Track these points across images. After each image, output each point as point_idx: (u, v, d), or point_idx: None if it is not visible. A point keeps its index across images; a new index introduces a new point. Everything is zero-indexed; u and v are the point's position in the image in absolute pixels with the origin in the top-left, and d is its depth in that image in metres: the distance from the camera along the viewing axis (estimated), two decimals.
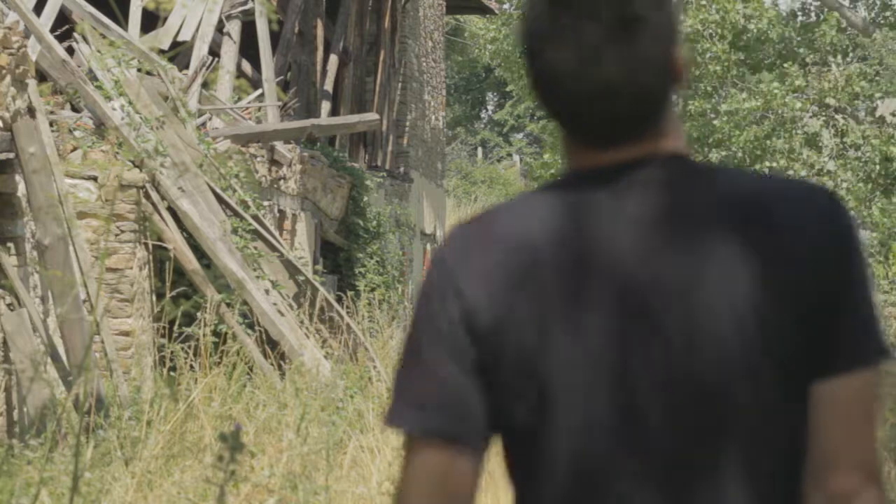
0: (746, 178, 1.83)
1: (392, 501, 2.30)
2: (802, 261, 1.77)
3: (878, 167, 19.16)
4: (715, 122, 19.71)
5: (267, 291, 10.93)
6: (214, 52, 14.01)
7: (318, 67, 17.49)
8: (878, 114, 20.53)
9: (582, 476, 1.77)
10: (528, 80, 1.85)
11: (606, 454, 1.76)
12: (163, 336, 10.05)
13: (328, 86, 17.96)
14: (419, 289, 1.85)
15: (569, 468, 1.77)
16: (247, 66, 15.63)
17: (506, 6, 23.94)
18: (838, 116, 20.06)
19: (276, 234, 12.22)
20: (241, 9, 14.52)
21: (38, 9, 12.02)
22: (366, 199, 16.48)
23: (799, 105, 19.45)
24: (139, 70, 11.66)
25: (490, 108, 50.19)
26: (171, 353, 9.51)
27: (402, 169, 20.98)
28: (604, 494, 1.76)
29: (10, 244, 8.71)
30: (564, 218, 1.79)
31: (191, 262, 10.46)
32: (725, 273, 1.75)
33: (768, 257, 1.76)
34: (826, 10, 21.35)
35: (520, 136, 47.73)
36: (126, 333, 10.06)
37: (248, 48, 15.10)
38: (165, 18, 13.17)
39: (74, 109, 11.08)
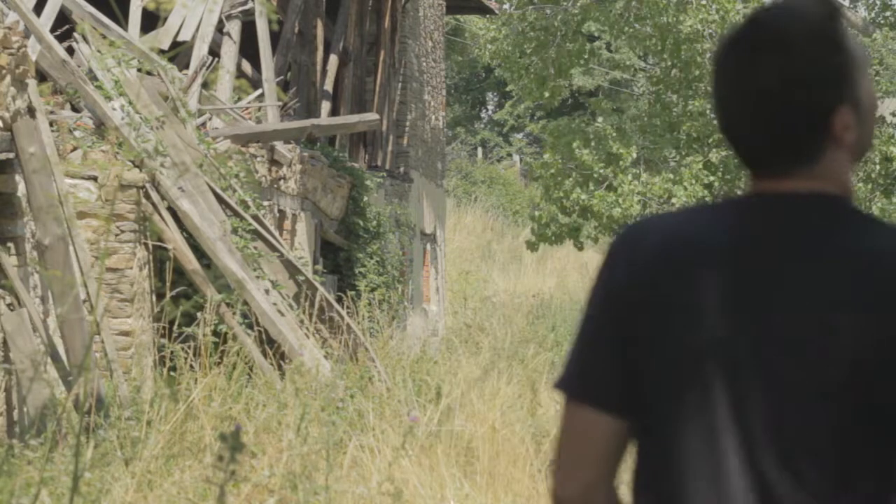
0: (883, 232, 1.99)
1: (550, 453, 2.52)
2: None
3: (878, 167, 19.17)
4: (715, 121, 19.72)
5: (267, 291, 10.92)
6: (214, 52, 14.00)
7: (318, 67, 17.48)
8: (877, 114, 20.53)
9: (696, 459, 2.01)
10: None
11: (716, 443, 1.99)
12: (163, 336, 10.05)
13: (328, 86, 17.95)
14: (596, 271, 2.14)
15: (686, 455, 2.02)
16: (247, 66, 15.62)
17: (506, 6, 23.93)
18: None
19: (276, 234, 12.21)
20: (241, 9, 14.51)
21: (38, 9, 12.02)
22: (366, 199, 16.47)
23: None
24: (139, 70, 11.66)
25: (490, 108, 50.18)
26: (171, 353, 9.50)
27: (402, 169, 20.96)
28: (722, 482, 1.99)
29: (10, 244, 8.70)
30: (711, 228, 2.06)
31: (191, 262, 10.46)
32: (829, 314, 1.95)
33: (874, 304, 1.93)
34: None
35: (520, 136, 47.71)
36: (126, 333, 10.06)
37: (248, 48, 15.09)
38: (165, 18, 13.16)
39: (74, 109, 11.07)
